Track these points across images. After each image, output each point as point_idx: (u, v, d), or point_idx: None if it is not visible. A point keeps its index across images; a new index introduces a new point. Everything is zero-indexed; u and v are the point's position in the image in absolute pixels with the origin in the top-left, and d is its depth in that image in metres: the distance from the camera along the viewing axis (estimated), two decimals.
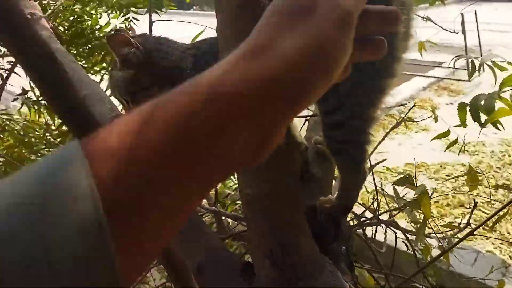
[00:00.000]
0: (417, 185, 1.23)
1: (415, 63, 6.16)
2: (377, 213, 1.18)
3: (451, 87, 6.24)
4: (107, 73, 2.41)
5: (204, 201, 2.17)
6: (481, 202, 3.75)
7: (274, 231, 0.79)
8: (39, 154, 2.42)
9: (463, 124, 1.10)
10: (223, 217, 1.57)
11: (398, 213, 1.24)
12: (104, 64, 2.38)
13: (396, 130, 5.08)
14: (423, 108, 5.64)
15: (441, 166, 4.66)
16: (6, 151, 2.37)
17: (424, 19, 2.23)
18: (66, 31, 1.86)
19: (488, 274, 2.01)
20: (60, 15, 1.84)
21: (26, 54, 0.65)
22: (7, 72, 1.77)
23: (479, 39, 5.99)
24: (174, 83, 0.65)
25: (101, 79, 2.39)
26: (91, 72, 2.38)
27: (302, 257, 0.79)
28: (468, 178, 1.09)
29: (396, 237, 1.51)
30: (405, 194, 1.60)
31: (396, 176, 4.54)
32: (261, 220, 0.81)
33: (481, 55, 6.15)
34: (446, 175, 4.47)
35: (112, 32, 1.14)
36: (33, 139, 2.32)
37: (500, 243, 3.42)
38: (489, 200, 3.30)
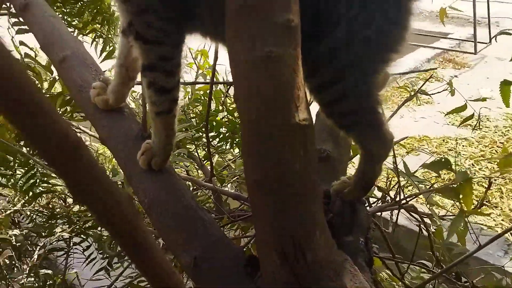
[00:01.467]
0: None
1: (420, 33, 5.95)
2: (400, 196, 1.06)
3: (456, 60, 6.06)
4: (99, 33, 2.22)
5: (200, 174, 2.04)
6: (483, 177, 3.70)
7: (287, 226, 0.67)
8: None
9: (506, 103, 0.95)
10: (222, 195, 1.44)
11: (417, 196, 1.11)
12: (97, 25, 2.19)
13: (398, 102, 4.94)
14: (425, 79, 5.47)
15: (443, 140, 4.55)
16: None
17: None
18: None
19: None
20: None
21: None
22: None
23: (488, 11, 5.76)
24: None
25: (93, 40, 2.21)
26: (83, 33, 2.20)
27: (318, 256, 0.67)
28: (502, 162, 0.96)
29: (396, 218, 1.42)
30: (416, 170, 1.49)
31: (400, 150, 4.44)
32: (271, 212, 0.68)
33: (489, 27, 5.96)
34: (449, 149, 4.38)
35: None
36: None
37: (502, 220, 3.39)
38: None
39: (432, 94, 2.09)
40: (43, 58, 1.60)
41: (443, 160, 0.93)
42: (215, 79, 1.53)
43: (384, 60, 0.84)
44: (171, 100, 0.88)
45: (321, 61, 0.79)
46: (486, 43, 5.83)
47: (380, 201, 1.20)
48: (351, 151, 1.09)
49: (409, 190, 1.77)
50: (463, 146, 4.32)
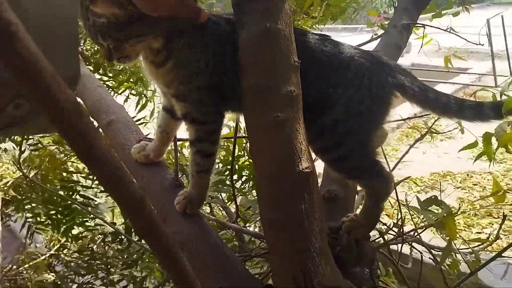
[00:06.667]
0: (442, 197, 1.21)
1: (438, 70, 6.03)
2: (401, 230, 1.17)
3: (477, 94, 6.08)
4: (132, 92, 2.49)
5: (223, 214, 2.18)
6: (510, 211, 3.65)
7: (296, 257, 0.80)
8: None
9: (489, 157, 1.11)
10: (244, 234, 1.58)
11: (423, 230, 1.21)
12: (130, 84, 2.45)
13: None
14: None
15: (468, 175, 4.53)
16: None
17: (448, 31, 2.19)
18: (94, 55, 1.93)
19: None
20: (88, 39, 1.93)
21: None
22: None
23: (506, 44, 5.83)
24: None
25: (126, 99, 2.47)
26: (118, 92, 2.46)
27: (324, 282, 0.80)
28: (494, 191, 1.07)
29: (421, 253, 1.49)
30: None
31: (421, 187, 4.45)
32: (283, 246, 0.82)
33: (509, 60, 5.96)
34: (473, 184, 4.36)
35: None
36: None
37: None
38: None
39: (443, 133, 2.19)
40: None
41: (432, 197, 1.05)
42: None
43: (374, 128, 1.04)
44: (211, 163, 1.07)
45: (325, 129, 0.99)
46: (506, 76, 5.87)
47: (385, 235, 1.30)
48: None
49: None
50: (488, 180, 4.30)
